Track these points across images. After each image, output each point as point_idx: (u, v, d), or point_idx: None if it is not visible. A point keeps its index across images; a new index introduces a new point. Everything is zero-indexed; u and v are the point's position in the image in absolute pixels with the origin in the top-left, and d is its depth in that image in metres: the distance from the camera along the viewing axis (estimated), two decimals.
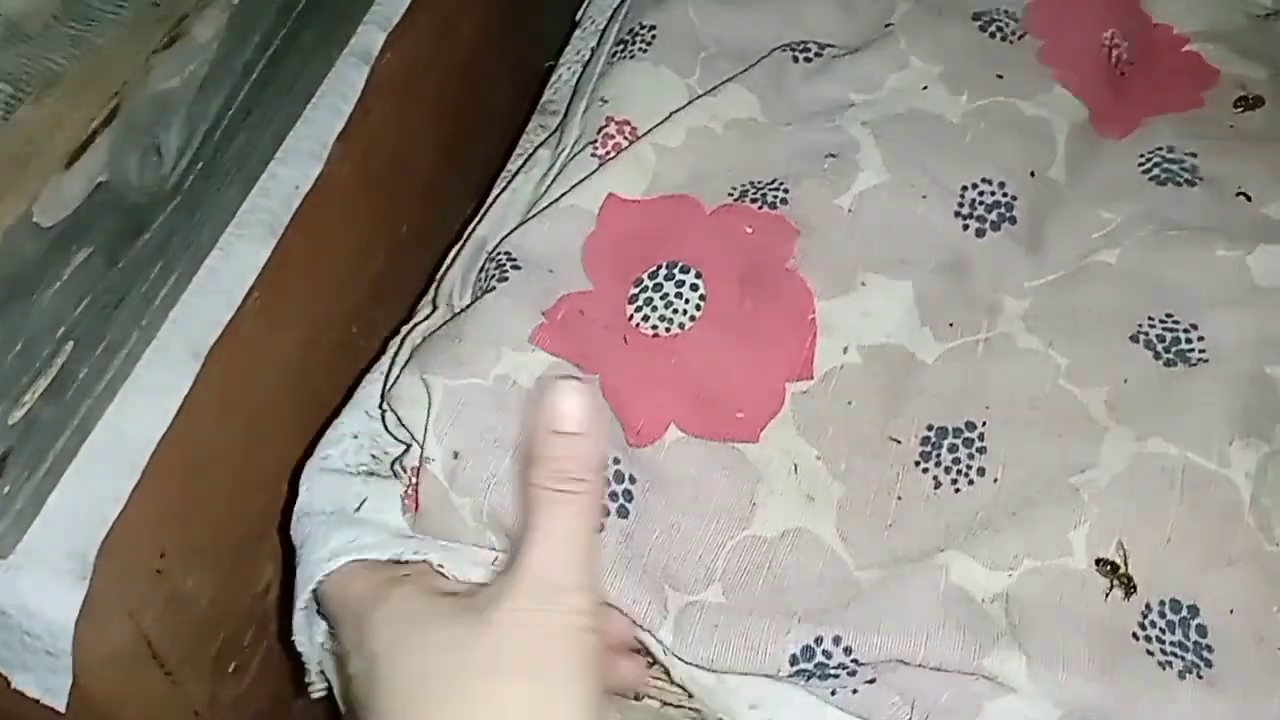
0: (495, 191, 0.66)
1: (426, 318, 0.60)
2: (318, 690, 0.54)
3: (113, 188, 0.49)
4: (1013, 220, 0.58)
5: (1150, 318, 0.55)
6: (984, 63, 0.64)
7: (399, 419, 0.51)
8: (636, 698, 0.48)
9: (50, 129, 0.46)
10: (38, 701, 0.50)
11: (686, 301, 0.53)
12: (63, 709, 0.50)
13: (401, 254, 0.84)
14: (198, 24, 0.53)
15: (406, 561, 0.48)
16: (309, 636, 0.52)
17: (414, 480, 0.49)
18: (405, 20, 0.74)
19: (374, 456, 0.55)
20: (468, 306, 0.55)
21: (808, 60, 0.65)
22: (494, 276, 0.54)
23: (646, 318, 0.53)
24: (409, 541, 0.48)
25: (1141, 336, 0.55)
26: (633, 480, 0.48)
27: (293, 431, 0.71)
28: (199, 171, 0.55)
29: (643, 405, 0.50)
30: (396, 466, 0.52)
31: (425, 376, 0.49)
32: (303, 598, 0.48)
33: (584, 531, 0.39)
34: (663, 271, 0.55)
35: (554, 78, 0.76)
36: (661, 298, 0.54)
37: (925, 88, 0.62)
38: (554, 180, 0.61)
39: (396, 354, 0.58)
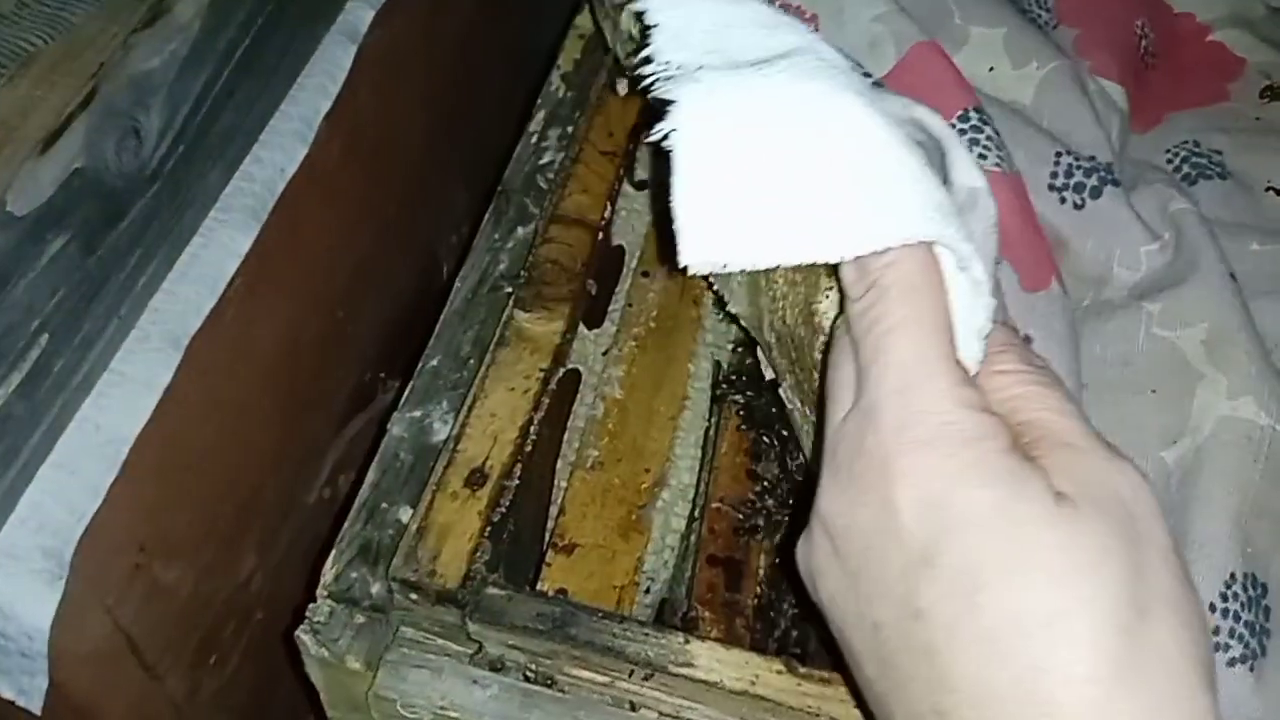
0: None
1: None
2: None
3: (89, 173, 0.47)
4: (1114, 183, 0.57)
5: None
6: (1039, 39, 0.62)
7: None
8: None
9: (24, 112, 0.44)
10: (13, 703, 0.49)
11: None
12: (38, 712, 0.49)
13: (389, 236, 0.82)
14: (179, 2, 0.51)
15: None
16: None
17: None
18: None
19: None
20: None
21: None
22: None
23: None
24: None
25: None
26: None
27: (277, 419, 0.70)
28: (180, 155, 0.54)
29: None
30: None
31: None
32: None
33: None
34: None
35: None
36: None
37: (991, 68, 0.60)
38: None
39: None
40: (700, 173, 0.32)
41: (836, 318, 0.36)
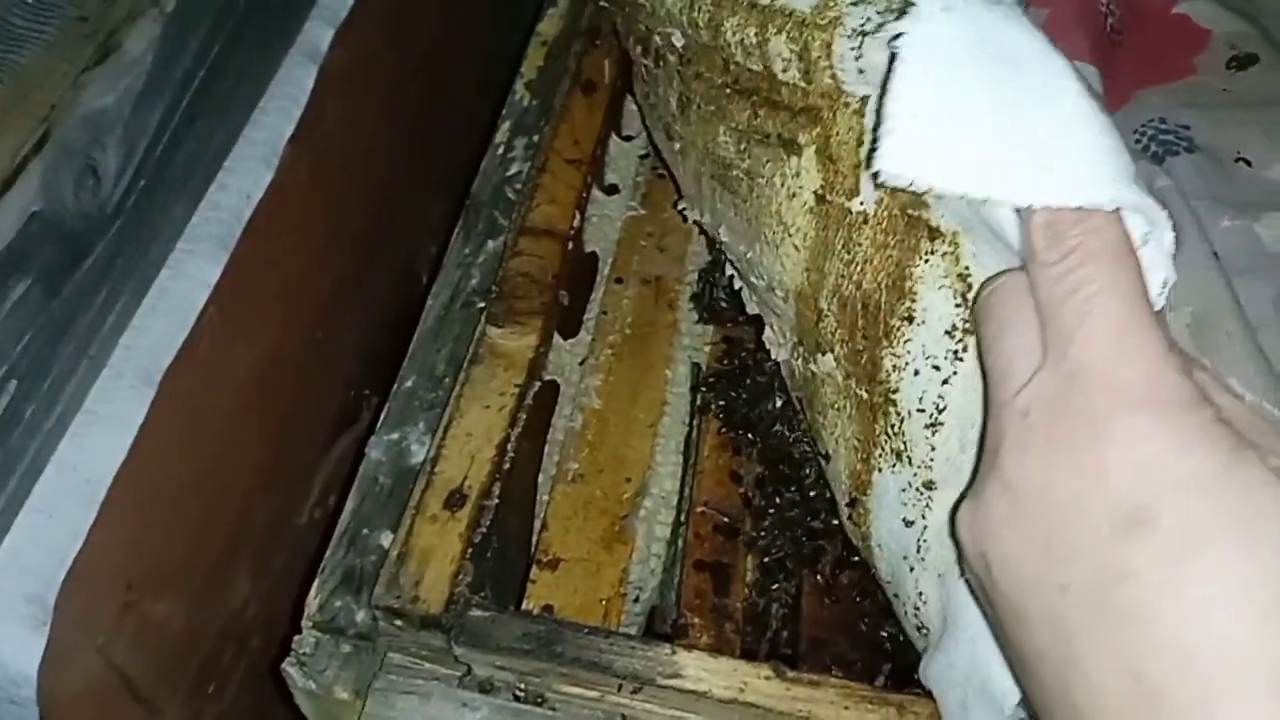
0: None
1: None
2: None
3: (48, 216, 0.47)
4: None
5: None
6: None
7: None
8: None
9: None
10: None
11: None
12: None
13: (364, 252, 0.82)
14: (129, 36, 0.51)
15: None
16: None
17: None
18: (355, 13, 0.71)
19: None
20: None
21: None
22: None
23: None
24: None
25: None
26: None
27: (260, 444, 0.70)
28: (141, 190, 0.53)
29: None
30: None
31: None
32: None
33: None
34: None
35: None
36: None
37: None
38: None
39: None
40: (921, 82, 0.32)
41: (984, 285, 0.35)
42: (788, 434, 0.55)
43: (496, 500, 0.48)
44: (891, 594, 0.45)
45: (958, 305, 0.38)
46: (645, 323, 0.59)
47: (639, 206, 0.65)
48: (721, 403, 0.57)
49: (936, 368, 0.39)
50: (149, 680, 0.60)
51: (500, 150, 0.65)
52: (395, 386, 0.55)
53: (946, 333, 0.38)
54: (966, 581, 0.35)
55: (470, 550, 0.47)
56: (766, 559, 0.53)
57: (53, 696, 0.49)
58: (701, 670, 0.44)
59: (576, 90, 0.65)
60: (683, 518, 0.54)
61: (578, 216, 0.59)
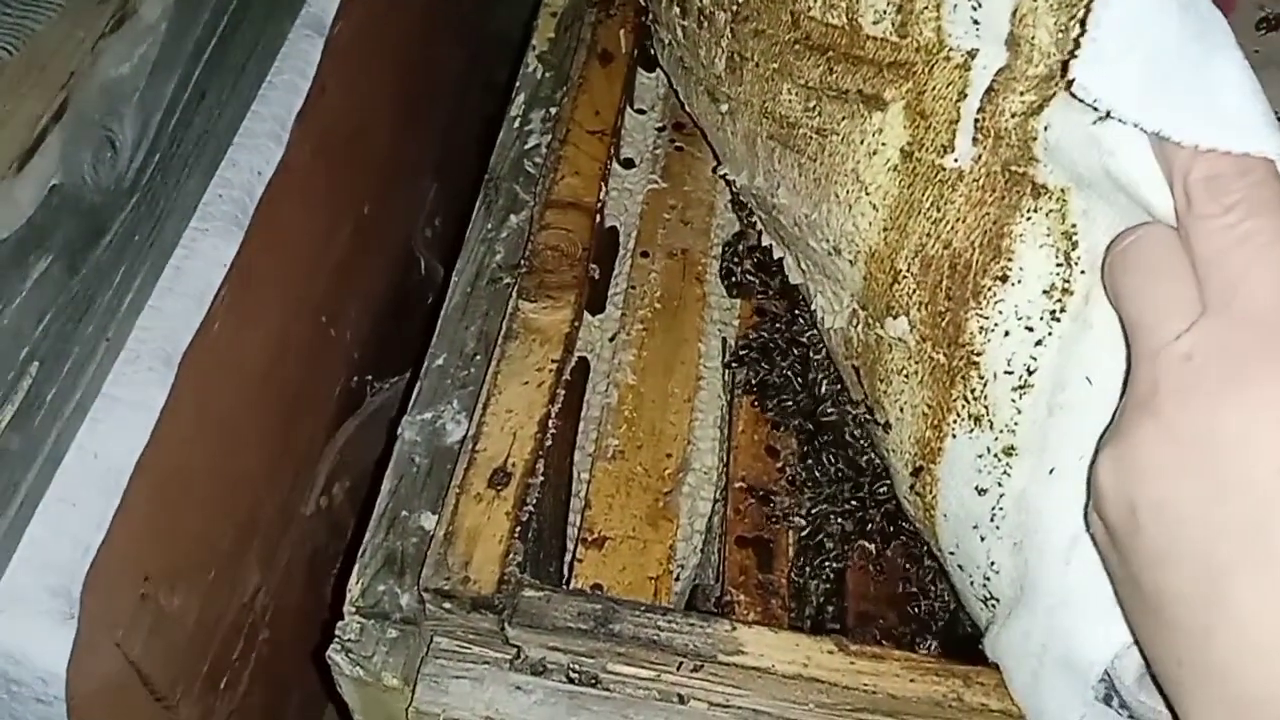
0: None
1: None
2: None
3: (68, 189, 0.45)
4: None
5: None
6: None
7: None
8: None
9: None
10: None
11: None
12: None
13: (364, 236, 0.80)
14: (143, 2, 0.49)
15: None
16: None
17: None
18: None
19: None
20: None
21: None
22: None
23: None
24: None
25: None
26: None
27: (269, 431, 0.68)
28: (157, 164, 0.51)
29: None
30: None
31: None
32: None
33: None
34: None
35: None
36: None
37: None
38: None
39: None
40: (1127, 5, 0.32)
41: (1117, 239, 0.34)
42: (827, 406, 0.54)
43: (541, 478, 0.47)
44: (955, 565, 0.44)
45: (1059, 264, 0.37)
46: (674, 297, 0.58)
47: (660, 179, 0.63)
48: (754, 376, 0.56)
49: (1030, 329, 0.38)
50: (164, 676, 0.58)
51: (516, 123, 0.64)
52: (425, 365, 0.53)
53: (1044, 292, 0.38)
54: (1091, 535, 0.34)
55: (518, 529, 0.45)
56: (809, 533, 0.52)
57: (71, 694, 0.47)
58: (763, 646, 0.43)
59: (594, 60, 0.64)
60: (719, 494, 0.53)
61: (603, 189, 0.58)
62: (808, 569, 0.51)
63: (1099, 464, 0.33)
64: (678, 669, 0.43)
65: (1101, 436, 0.34)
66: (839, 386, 0.52)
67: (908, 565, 0.50)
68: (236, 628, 0.67)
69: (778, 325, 0.58)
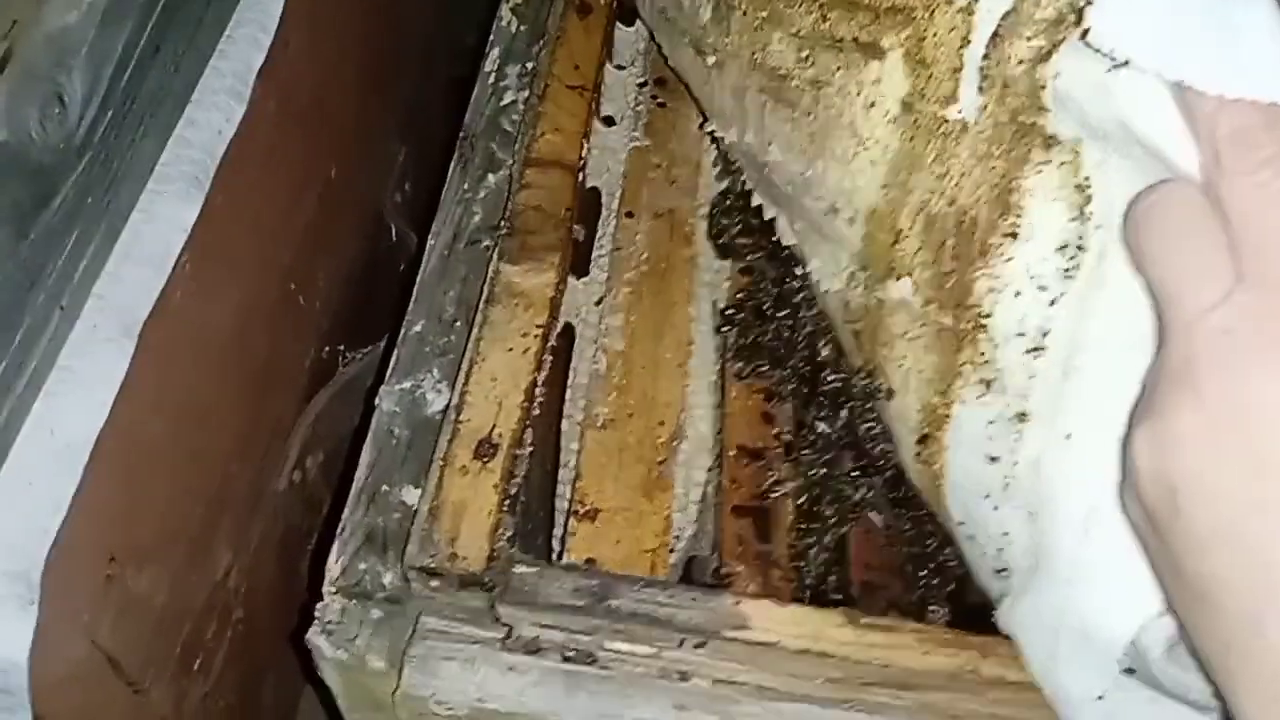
0: None
1: None
2: None
3: (14, 147, 0.42)
4: None
5: None
6: None
7: None
8: None
9: None
10: None
11: None
12: None
13: (332, 200, 0.77)
14: None
15: None
16: None
17: None
18: None
19: None
20: None
21: None
22: None
23: None
24: None
25: None
26: None
27: (237, 404, 0.66)
28: (109, 121, 0.48)
29: None
30: None
31: None
32: None
33: None
34: None
35: None
36: None
37: None
38: None
39: None
40: None
41: (1138, 198, 0.32)
42: (823, 371, 0.52)
43: (530, 448, 0.45)
44: (965, 536, 0.43)
45: (1073, 219, 0.35)
46: (662, 258, 0.56)
47: (643, 137, 0.61)
48: (744, 341, 0.54)
49: (1043, 288, 0.36)
50: (135, 660, 0.56)
51: (491, 79, 0.61)
52: (402, 332, 0.51)
53: (1058, 249, 0.36)
54: (1127, 517, 0.33)
55: (507, 502, 0.43)
56: (808, 502, 0.50)
57: (36, 683, 0.45)
58: (769, 620, 0.41)
59: (571, 13, 0.61)
60: (714, 462, 0.51)
61: (585, 146, 0.55)
62: (808, 538, 0.49)
63: (1133, 443, 0.31)
64: (679, 645, 0.41)
65: (1132, 412, 0.32)
66: (838, 352, 0.50)
67: (912, 532, 0.49)
68: (209, 608, 0.64)
69: (768, 287, 0.56)
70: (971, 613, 0.47)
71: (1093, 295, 0.36)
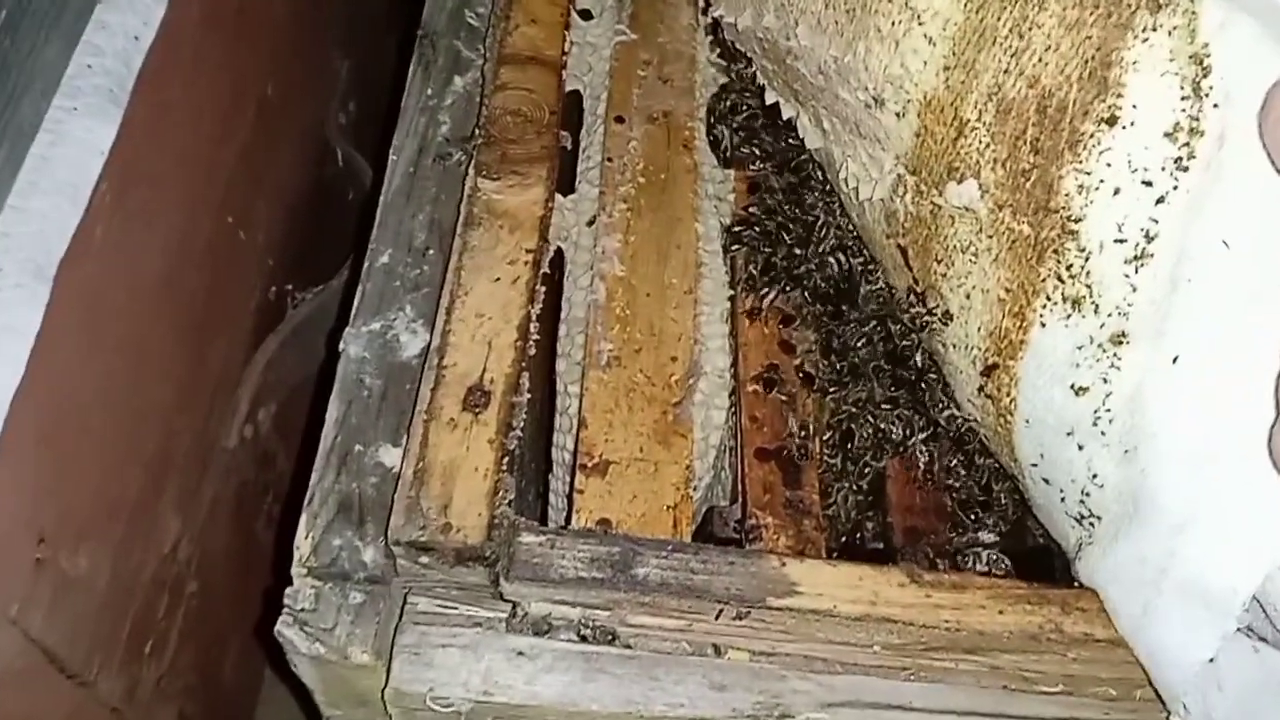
0: None
1: None
2: None
3: None
4: None
5: None
6: None
7: None
8: None
9: None
10: None
11: None
12: None
13: (269, 120, 0.69)
14: None
15: None
16: None
17: None
18: None
19: None
20: None
21: None
22: None
23: None
24: None
25: None
26: None
27: (175, 353, 0.59)
28: (4, 24, 0.40)
29: None
30: None
31: None
32: None
33: None
34: None
35: None
36: None
37: None
38: None
39: None
40: None
41: None
42: (850, 290, 0.46)
43: (528, 395, 0.38)
44: (1038, 478, 0.37)
45: (1185, 98, 0.30)
46: (660, 169, 0.49)
47: (628, 31, 0.53)
48: (760, 260, 0.48)
49: (1148, 183, 0.31)
50: (76, 651, 0.49)
51: None
52: (366, 264, 0.44)
53: (1166, 135, 0.30)
54: (1272, 457, 0.27)
55: (505, 459, 0.36)
56: (840, 440, 0.44)
57: None
58: (820, 584, 0.35)
59: None
60: (732, 399, 0.45)
61: (567, 38, 0.48)
62: (841, 482, 0.44)
63: None
64: (716, 617, 0.35)
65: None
66: (873, 268, 0.44)
67: (960, 469, 0.43)
68: (158, 583, 0.58)
69: (780, 201, 0.49)
70: (1029, 560, 0.42)
71: (1208, 192, 0.30)
